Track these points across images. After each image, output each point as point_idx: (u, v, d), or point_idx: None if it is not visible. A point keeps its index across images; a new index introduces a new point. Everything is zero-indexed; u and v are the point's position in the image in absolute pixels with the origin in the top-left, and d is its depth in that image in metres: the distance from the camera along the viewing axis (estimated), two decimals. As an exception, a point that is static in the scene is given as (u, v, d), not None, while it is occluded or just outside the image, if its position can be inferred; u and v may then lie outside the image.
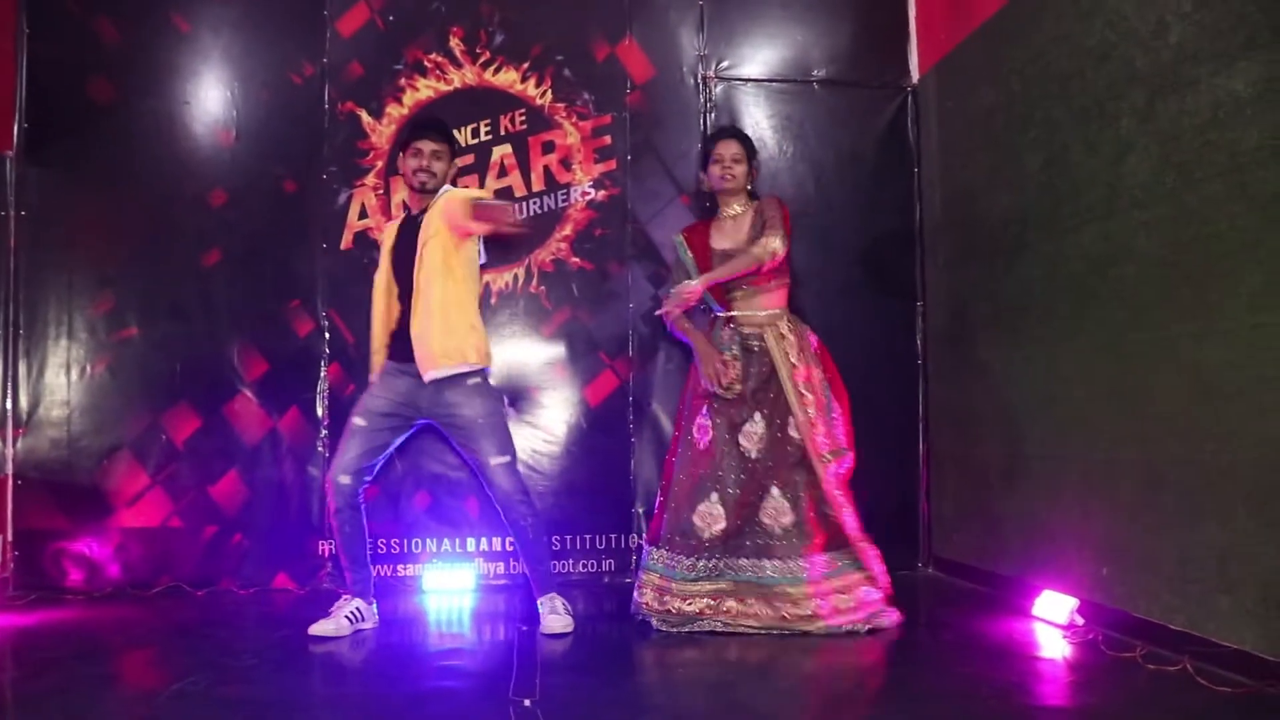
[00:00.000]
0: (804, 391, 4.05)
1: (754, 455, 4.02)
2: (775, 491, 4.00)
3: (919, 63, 5.38)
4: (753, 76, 5.33)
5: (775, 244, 4.00)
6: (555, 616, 4.00)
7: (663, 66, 5.28)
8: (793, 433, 4.04)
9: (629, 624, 4.12)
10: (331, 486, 4.01)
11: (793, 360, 4.08)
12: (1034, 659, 3.57)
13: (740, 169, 4.26)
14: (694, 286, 4.09)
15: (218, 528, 4.90)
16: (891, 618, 3.98)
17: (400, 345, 4.02)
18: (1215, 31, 3.23)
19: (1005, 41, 4.47)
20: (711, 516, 4.00)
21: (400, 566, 4.96)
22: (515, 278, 5.09)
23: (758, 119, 5.29)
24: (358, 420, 4.03)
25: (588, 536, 5.09)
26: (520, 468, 4.31)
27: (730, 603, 3.94)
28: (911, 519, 5.28)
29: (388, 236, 4.18)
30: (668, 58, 5.29)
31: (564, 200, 5.18)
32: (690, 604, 3.94)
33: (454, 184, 4.21)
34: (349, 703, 3.13)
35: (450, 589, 4.86)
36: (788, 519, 3.97)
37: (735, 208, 4.29)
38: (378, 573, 4.74)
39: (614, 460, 5.15)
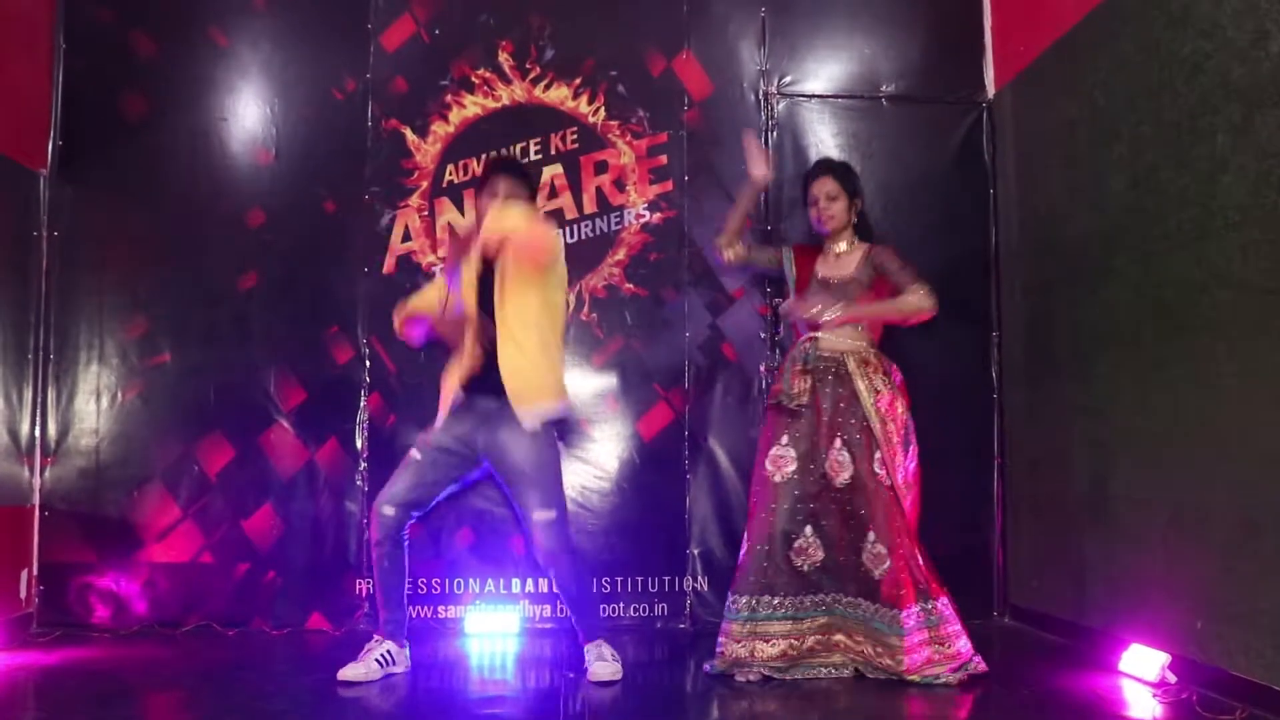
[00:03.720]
0: (887, 420, 3.92)
1: (839, 485, 3.90)
2: (871, 535, 3.86)
3: (995, 76, 5.17)
4: (817, 92, 5.14)
5: (924, 302, 3.98)
6: (602, 664, 3.84)
7: (722, 82, 5.11)
8: (877, 468, 3.89)
9: (682, 672, 4.06)
10: (375, 516, 3.85)
11: (877, 386, 3.95)
12: (1122, 719, 3.37)
13: (838, 206, 4.12)
14: (838, 314, 4.02)
15: (250, 564, 4.77)
16: (981, 666, 3.80)
17: (476, 382, 3.87)
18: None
19: (1088, 52, 4.29)
20: (809, 550, 3.90)
21: (441, 608, 4.80)
22: (566, 304, 4.72)
23: (822, 137, 5.09)
24: (415, 453, 3.91)
25: (639, 579, 4.89)
26: (569, 506, 4.20)
27: (839, 635, 3.88)
28: (986, 565, 5.03)
29: (467, 265, 3.93)
30: (727, 73, 5.11)
31: (617, 223, 5.04)
32: (794, 643, 3.84)
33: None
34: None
35: (493, 632, 4.71)
36: (885, 566, 3.81)
37: (841, 245, 4.19)
38: (417, 614, 4.67)
39: (668, 498, 4.95)
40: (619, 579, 4.87)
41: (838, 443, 3.93)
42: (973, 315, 5.11)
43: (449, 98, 5.02)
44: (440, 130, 4.99)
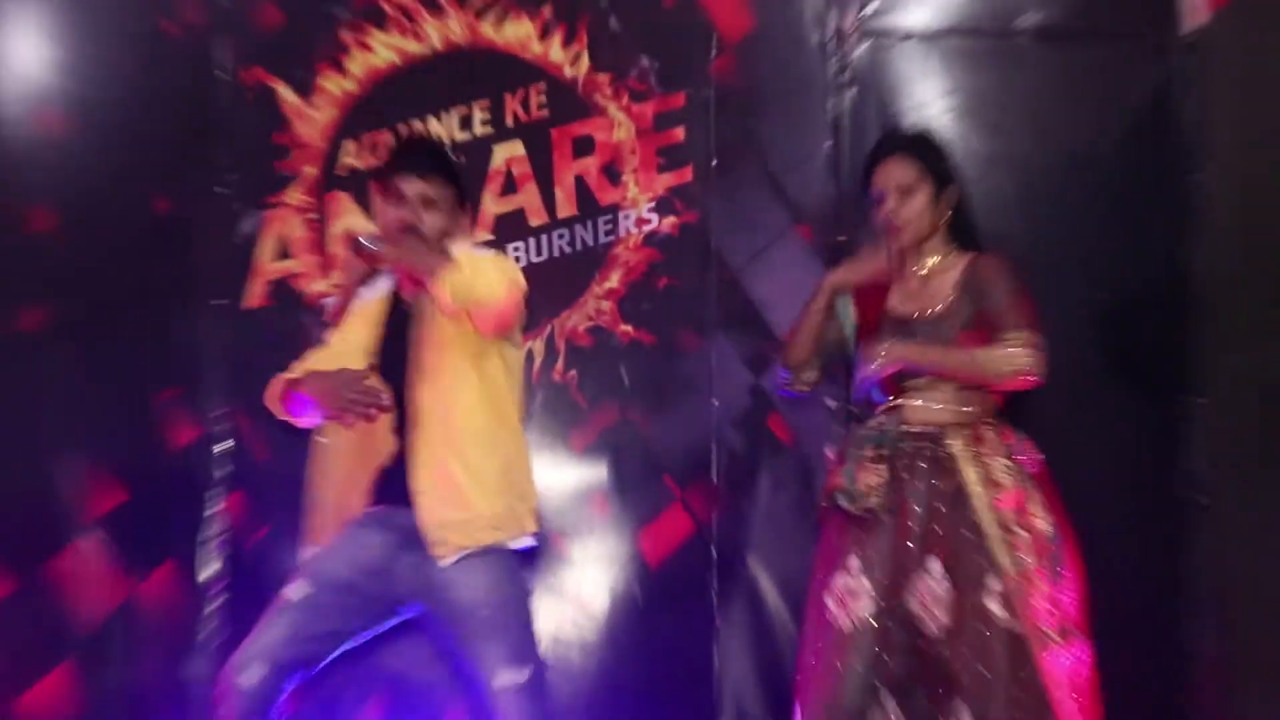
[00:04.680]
0: (1016, 529, 3.10)
1: (934, 632, 3.12)
2: (963, 711, 3.01)
3: (1197, 1, 4.10)
4: (918, 28, 4.06)
5: (1025, 359, 3.10)
6: None
7: (768, 13, 4.09)
8: (991, 604, 3.05)
9: None
10: (226, 688, 2.96)
11: (996, 478, 3.13)
12: None
13: (918, 202, 3.24)
14: (899, 352, 3.20)
15: None
16: None
17: (390, 486, 3.11)
18: None
19: None
20: None
21: None
22: (529, 355, 3.99)
23: (926, 97, 4.04)
24: (295, 590, 3.08)
25: None
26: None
27: None
28: None
29: (367, 305, 3.26)
30: (776, 2, 4.13)
31: (609, 232, 4.05)
32: None
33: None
34: None
35: None
36: None
37: (927, 261, 3.33)
38: None
39: (687, 651, 3.98)
40: None
41: (933, 565, 3.15)
42: (1162, 374, 4.09)
43: (347, 36, 4.03)
44: (334, 87, 4.00)
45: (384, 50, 4.01)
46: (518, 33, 4.03)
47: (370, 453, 3.13)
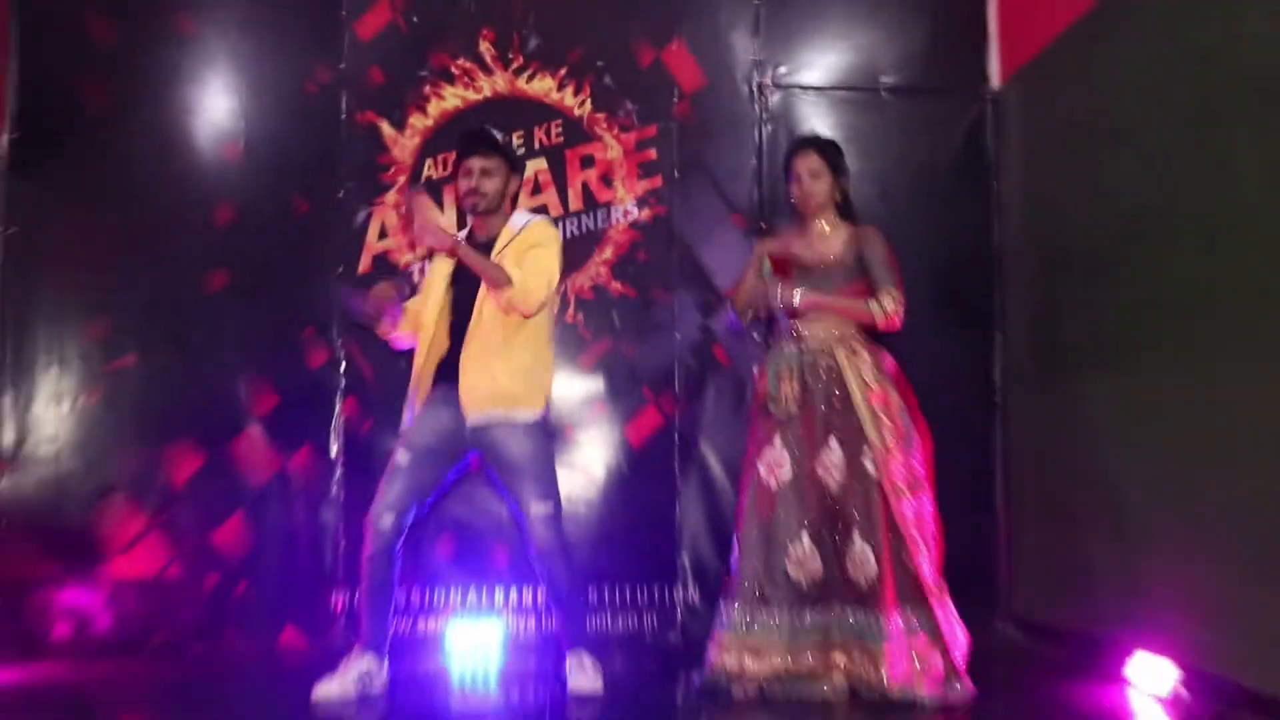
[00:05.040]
0: (880, 415, 3.80)
1: (835, 490, 3.78)
2: (857, 538, 3.72)
3: (1000, 68, 5.09)
4: (813, 84, 5.06)
5: (893, 305, 3.84)
6: (582, 674, 3.79)
7: (714, 73, 5.04)
8: (867, 464, 3.77)
9: (672, 685, 4.04)
10: (370, 529, 3.74)
11: (867, 380, 3.84)
12: None
13: (821, 185, 3.99)
14: (796, 299, 3.90)
15: (220, 577, 4.68)
16: (961, 690, 3.66)
17: (449, 373, 3.82)
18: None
19: (1099, 43, 4.24)
20: (805, 561, 3.75)
21: (420, 621, 4.72)
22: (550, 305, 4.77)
23: (819, 131, 4.93)
24: (401, 456, 3.80)
25: (628, 589, 4.83)
26: None
27: (836, 653, 3.69)
28: (988, 572, 4.92)
29: (443, 259, 3.94)
30: (719, 64, 5.04)
31: (604, 220, 4.99)
32: (791, 661, 3.70)
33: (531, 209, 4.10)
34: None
35: (474, 647, 4.57)
36: (871, 569, 3.68)
37: (823, 225, 4.04)
38: (395, 627, 4.42)
39: (658, 506, 4.89)
40: (607, 589, 4.81)
41: (832, 442, 3.83)
42: (974, 315, 5.05)
43: (427, 89, 4.94)
44: (418, 123, 4.91)
45: (452, 98, 4.89)
46: (543, 86, 4.93)
47: (435, 351, 3.85)
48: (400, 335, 4.01)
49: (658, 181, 4.96)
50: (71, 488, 4.64)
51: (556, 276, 3.82)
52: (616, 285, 4.96)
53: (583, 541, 4.71)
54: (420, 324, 3.91)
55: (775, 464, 3.87)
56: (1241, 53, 3.40)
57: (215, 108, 4.85)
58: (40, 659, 4.36)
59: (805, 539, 3.76)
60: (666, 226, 4.96)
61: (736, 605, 3.79)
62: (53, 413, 4.66)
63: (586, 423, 4.91)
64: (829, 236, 4.03)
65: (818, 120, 5.03)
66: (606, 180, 4.98)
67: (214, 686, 4.00)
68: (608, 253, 4.98)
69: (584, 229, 4.96)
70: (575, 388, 4.90)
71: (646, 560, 4.85)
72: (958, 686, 3.65)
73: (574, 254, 4.85)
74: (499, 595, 4.78)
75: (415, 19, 4.93)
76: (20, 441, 4.65)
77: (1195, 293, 3.63)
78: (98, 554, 4.61)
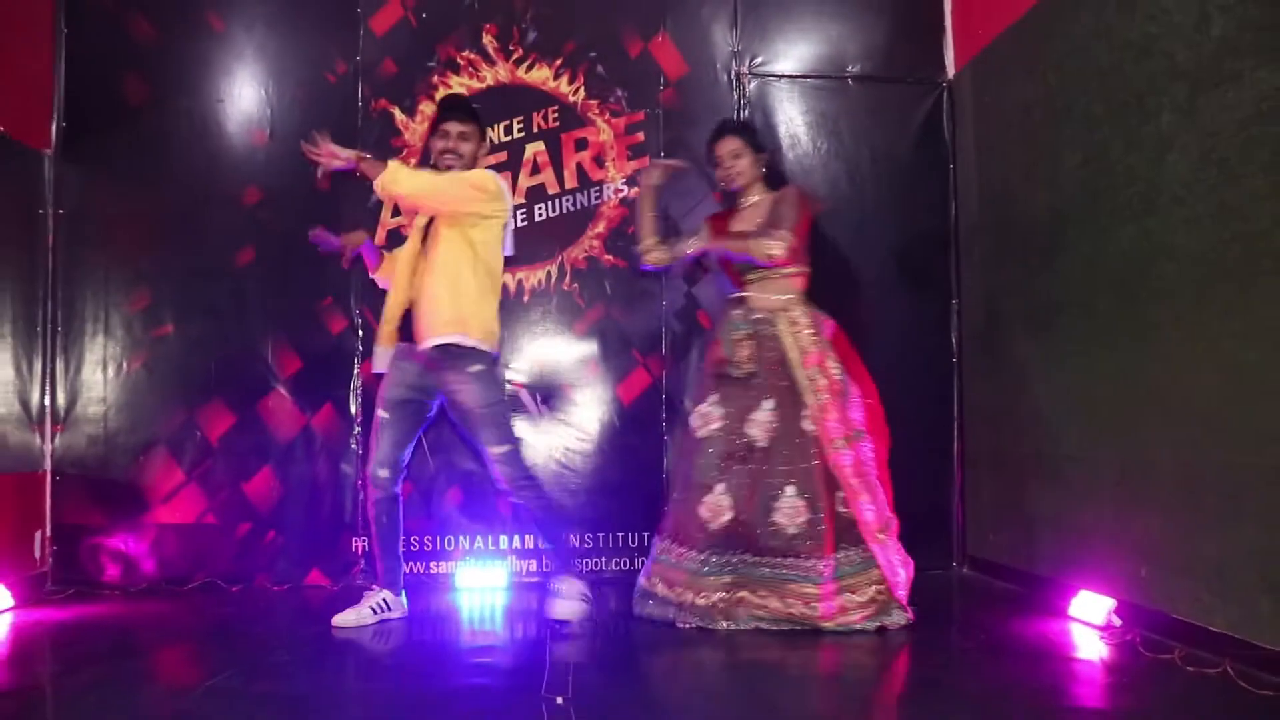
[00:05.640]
0: (815, 377, 3.98)
1: (763, 444, 3.95)
2: (790, 490, 3.91)
3: (955, 58, 5.32)
4: (787, 73, 5.29)
5: (772, 248, 3.95)
6: (563, 602, 3.98)
7: (696, 63, 5.25)
8: (805, 424, 3.96)
9: (665, 622, 4.05)
10: (370, 480, 4.05)
11: (803, 346, 4.02)
12: (1070, 660, 3.52)
13: (742, 163, 4.20)
14: (688, 245, 4.17)
15: (251, 524, 4.93)
16: (900, 617, 3.91)
17: (408, 326, 4.03)
18: (1259, 24, 3.17)
19: (1043, 35, 4.42)
20: (718, 508, 3.94)
21: (433, 564, 4.97)
22: (548, 275, 5.09)
23: (791, 115, 5.25)
24: (381, 413, 4.05)
25: (620, 534, 5.05)
26: (553, 468, 4.56)
27: (743, 593, 3.90)
28: (946, 518, 5.23)
29: (422, 216, 4.13)
30: (701, 54, 5.25)
31: (597, 198, 5.17)
32: (703, 598, 3.91)
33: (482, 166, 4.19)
34: (381, 699, 3.11)
35: (482, 586, 4.85)
36: (803, 518, 3.88)
37: (753, 196, 4.25)
38: (411, 570, 4.80)
39: (647, 458, 5.12)
40: (601, 535, 5.03)
41: (769, 402, 4.00)
42: (933, 285, 5.29)
43: (436, 79, 5.12)
44: (428, 110, 5.04)
45: (458, 86, 5.06)
46: (541, 75, 5.12)
47: (399, 294, 4.01)
48: (379, 277, 4.24)
49: (645, 162, 5.08)
50: (118, 444, 4.89)
51: (448, 187, 3.90)
52: (608, 257, 5.14)
53: (579, 490, 5.03)
54: (394, 270, 4.11)
55: (707, 417, 4.05)
56: (1169, 44, 3.55)
57: (243, 97, 5.03)
58: (93, 599, 4.59)
59: (719, 488, 3.94)
60: (654, 203, 5.09)
61: (663, 540, 4.06)
62: (100, 377, 4.90)
63: (581, 383, 5.10)
64: (758, 204, 4.20)
65: (790, 106, 5.27)
66: (599, 161, 5.16)
67: (249, 621, 4.17)
68: (600, 227, 5.15)
69: (578, 205, 5.15)
70: (571, 351, 5.11)
71: (637, 508, 5.03)
72: (896, 614, 3.88)
73: (569, 228, 5.11)
74: (504, 540, 5.00)
75: (424, 15, 5.11)
76: (71, 403, 4.90)
77: (1128, 264, 3.80)
78: (142, 504, 4.87)
